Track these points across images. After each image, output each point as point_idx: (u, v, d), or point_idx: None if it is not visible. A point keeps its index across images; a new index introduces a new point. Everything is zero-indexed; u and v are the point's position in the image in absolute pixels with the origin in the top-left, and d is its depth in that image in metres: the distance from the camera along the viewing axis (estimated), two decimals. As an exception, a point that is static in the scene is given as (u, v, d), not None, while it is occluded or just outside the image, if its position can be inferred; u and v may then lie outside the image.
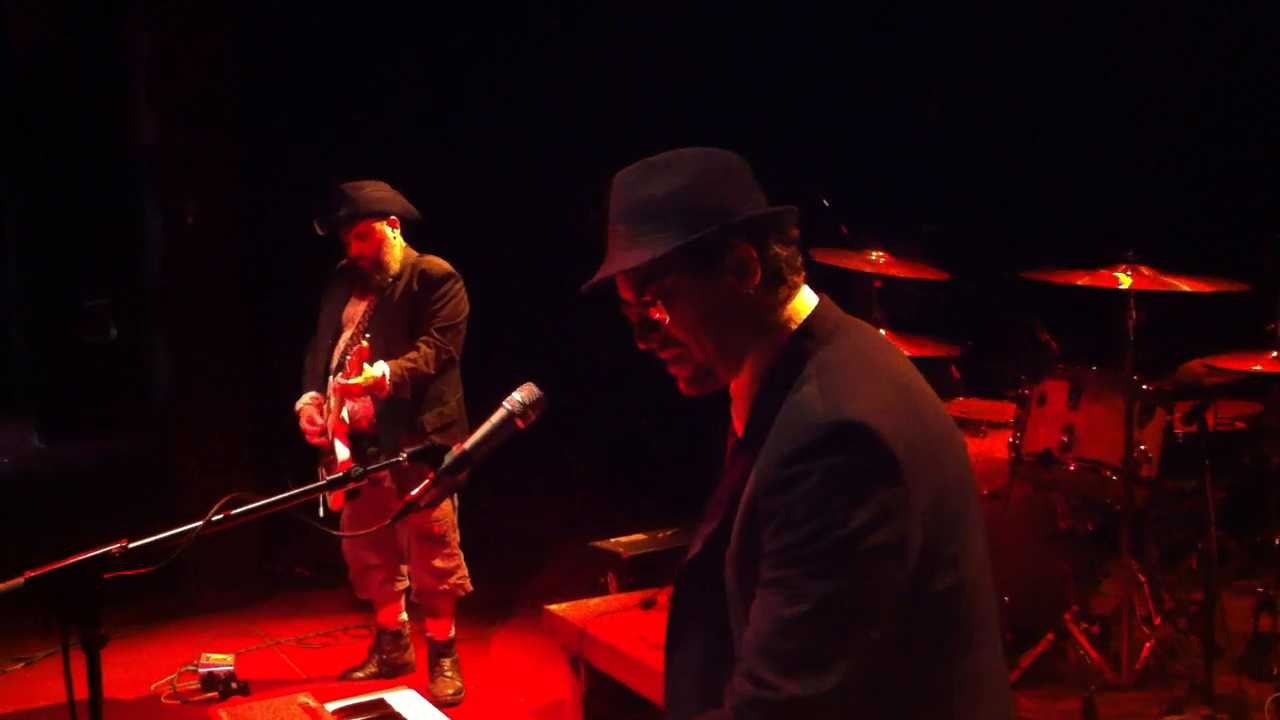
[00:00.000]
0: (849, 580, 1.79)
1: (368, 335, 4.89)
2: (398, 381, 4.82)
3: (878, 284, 5.60)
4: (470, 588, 5.23)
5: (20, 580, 1.88)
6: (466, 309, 5.04)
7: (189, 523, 2.02)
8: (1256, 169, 6.48)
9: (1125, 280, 4.56)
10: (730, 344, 2.02)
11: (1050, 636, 4.72)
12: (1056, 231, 6.75)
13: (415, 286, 5.00)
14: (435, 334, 4.95)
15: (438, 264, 5.05)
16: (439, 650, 5.28)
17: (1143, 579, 4.82)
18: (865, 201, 6.75)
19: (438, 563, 5.11)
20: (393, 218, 5.05)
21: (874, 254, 5.43)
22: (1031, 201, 7.24)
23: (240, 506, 2.05)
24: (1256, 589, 4.98)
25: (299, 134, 7.69)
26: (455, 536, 5.18)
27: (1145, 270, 4.60)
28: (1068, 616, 4.72)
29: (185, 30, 6.54)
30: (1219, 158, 6.75)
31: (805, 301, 2.05)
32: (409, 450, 2.24)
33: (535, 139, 8.55)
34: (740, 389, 2.07)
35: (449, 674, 5.24)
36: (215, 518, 2.01)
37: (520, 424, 2.23)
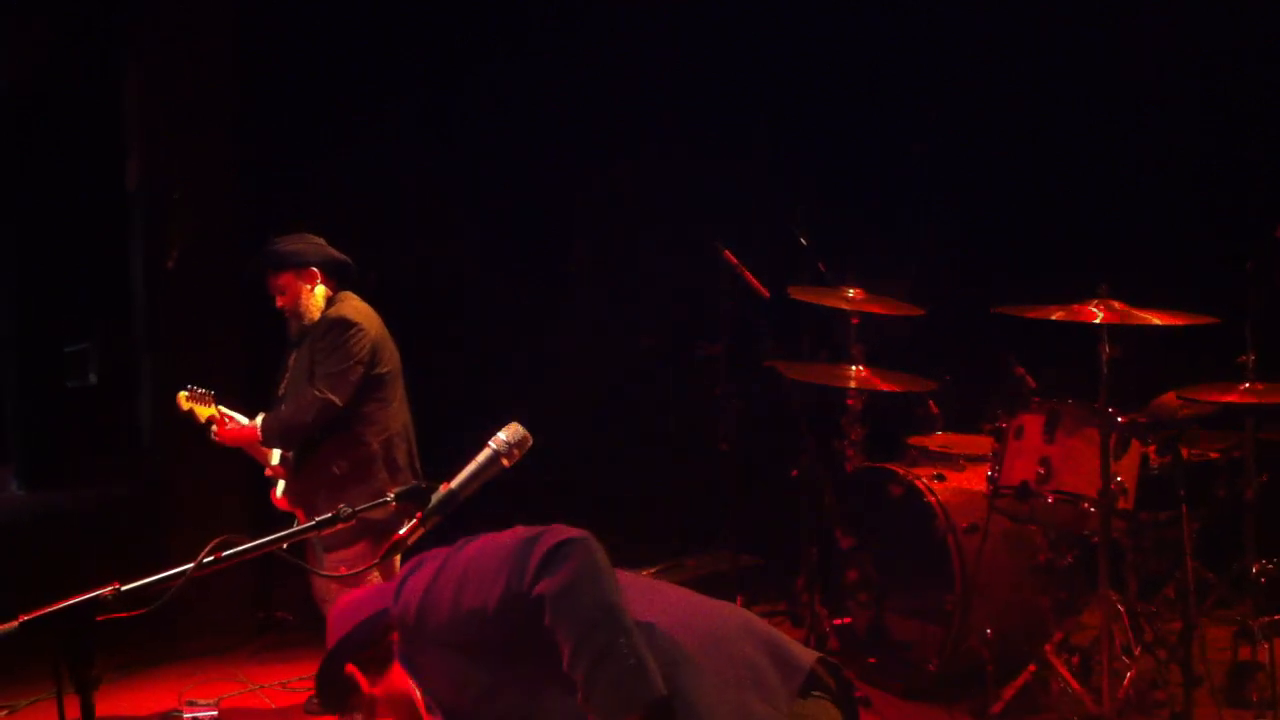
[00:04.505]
0: None
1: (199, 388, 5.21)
2: (265, 433, 5.10)
3: (855, 320, 5.67)
4: None
5: (14, 624, 1.91)
6: (356, 356, 5.06)
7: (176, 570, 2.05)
8: (1229, 202, 6.57)
9: (1098, 314, 4.62)
10: None
11: (1032, 668, 4.76)
12: (1032, 267, 6.82)
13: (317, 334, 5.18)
14: (319, 382, 5.05)
15: (337, 311, 5.15)
16: None
17: (1122, 610, 4.85)
18: (847, 240, 6.81)
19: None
20: (311, 270, 5.19)
21: (850, 291, 5.49)
22: (1007, 238, 7.31)
23: (230, 549, 2.08)
24: (1235, 618, 5.03)
25: (292, 174, 7.71)
26: (374, 577, 5.12)
27: (1117, 304, 4.66)
28: (1049, 648, 4.75)
29: (176, 73, 6.59)
30: (1192, 191, 6.84)
31: None
32: (396, 490, 2.28)
33: (534, 142, 8.57)
34: None
35: None
36: (206, 560, 2.04)
37: (506, 463, 2.27)
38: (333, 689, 2.44)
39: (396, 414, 5.24)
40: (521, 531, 2.30)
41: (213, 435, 5.20)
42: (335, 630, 2.44)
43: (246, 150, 6.98)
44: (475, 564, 2.27)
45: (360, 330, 5.09)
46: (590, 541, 2.24)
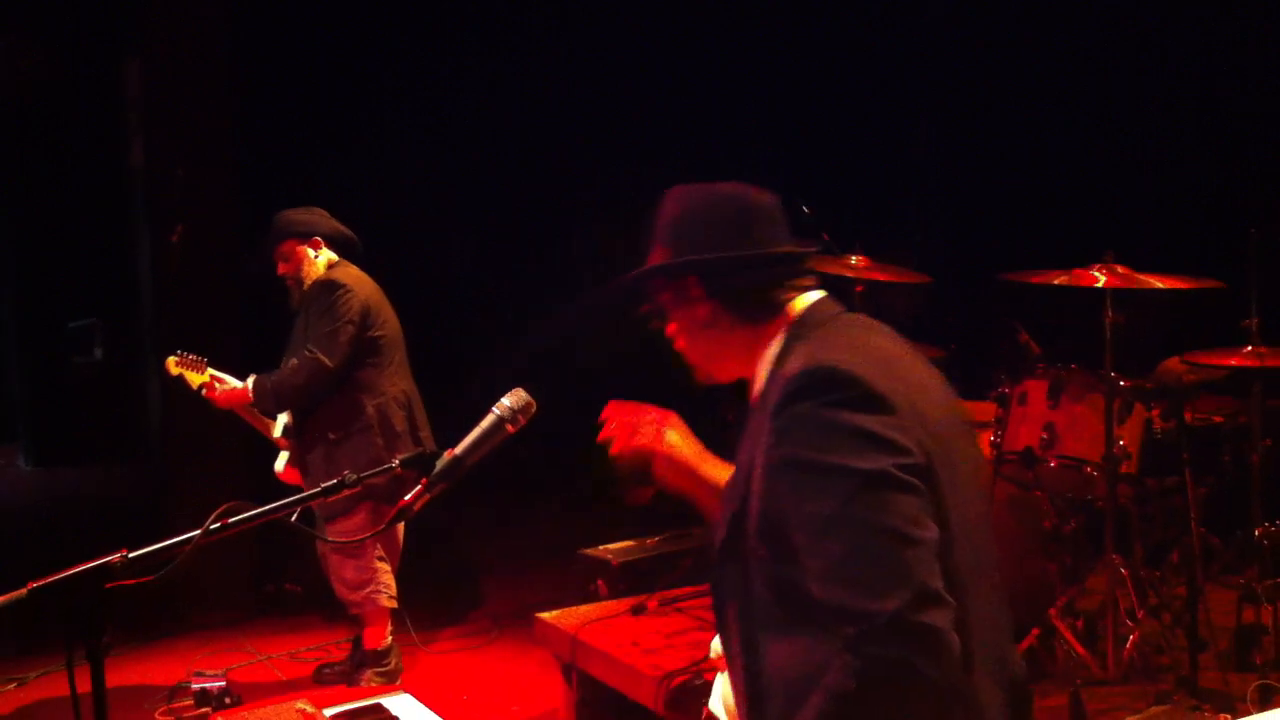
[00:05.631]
0: (868, 498, 1.84)
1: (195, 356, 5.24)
2: (257, 394, 5.11)
3: (859, 289, 5.65)
4: (386, 602, 5.20)
5: (24, 591, 1.90)
6: (345, 316, 5.06)
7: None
8: (1234, 168, 6.56)
9: (1102, 279, 4.61)
10: (707, 358, 2.25)
11: (1036, 633, 4.76)
12: (1037, 234, 6.81)
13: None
14: (309, 343, 5.07)
15: (327, 277, 5.17)
16: (361, 659, 5.31)
17: (1126, 575, 4.87)
18: (853, 209, 6.79)
19: (348, 574, 5.19)
20: (315, 239, 5.23)
21: (853, 259, 5.48)
22: (1012, 205, 7.30)
23: (236, 515, 2.08)
24: (1239, 582, 5.03)
25: (293, 153, 7.70)
26: (373, 549, 5.20)
27: (1121, 269, 4.65)
28: (1053, 613, 4.76)
29: (178, 56, 6.58)
30: (1197, 157, 6.82)
31: (805, 300, 2.20)
32: (401, 457, 2.28)
33: (532, 145, 8.56)
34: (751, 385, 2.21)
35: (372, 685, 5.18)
36: (213, 526, 2.04)
37: (510, 429, 2.26)
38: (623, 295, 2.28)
39: (393, 380, 5.22)
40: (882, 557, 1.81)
41: (207, 398, 5.23)
42: (689, 226, 2.20)
43: (247, 135, 6.98)
44: (818, 516, 1.87)
45: (348, 291, 5.09)
46: (916, 667, 1.77)
